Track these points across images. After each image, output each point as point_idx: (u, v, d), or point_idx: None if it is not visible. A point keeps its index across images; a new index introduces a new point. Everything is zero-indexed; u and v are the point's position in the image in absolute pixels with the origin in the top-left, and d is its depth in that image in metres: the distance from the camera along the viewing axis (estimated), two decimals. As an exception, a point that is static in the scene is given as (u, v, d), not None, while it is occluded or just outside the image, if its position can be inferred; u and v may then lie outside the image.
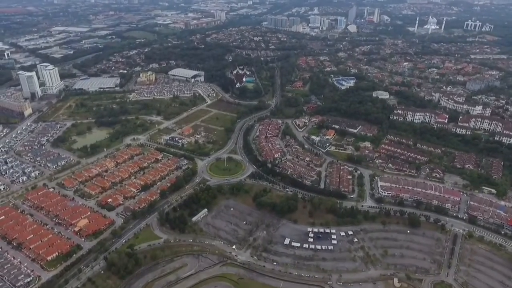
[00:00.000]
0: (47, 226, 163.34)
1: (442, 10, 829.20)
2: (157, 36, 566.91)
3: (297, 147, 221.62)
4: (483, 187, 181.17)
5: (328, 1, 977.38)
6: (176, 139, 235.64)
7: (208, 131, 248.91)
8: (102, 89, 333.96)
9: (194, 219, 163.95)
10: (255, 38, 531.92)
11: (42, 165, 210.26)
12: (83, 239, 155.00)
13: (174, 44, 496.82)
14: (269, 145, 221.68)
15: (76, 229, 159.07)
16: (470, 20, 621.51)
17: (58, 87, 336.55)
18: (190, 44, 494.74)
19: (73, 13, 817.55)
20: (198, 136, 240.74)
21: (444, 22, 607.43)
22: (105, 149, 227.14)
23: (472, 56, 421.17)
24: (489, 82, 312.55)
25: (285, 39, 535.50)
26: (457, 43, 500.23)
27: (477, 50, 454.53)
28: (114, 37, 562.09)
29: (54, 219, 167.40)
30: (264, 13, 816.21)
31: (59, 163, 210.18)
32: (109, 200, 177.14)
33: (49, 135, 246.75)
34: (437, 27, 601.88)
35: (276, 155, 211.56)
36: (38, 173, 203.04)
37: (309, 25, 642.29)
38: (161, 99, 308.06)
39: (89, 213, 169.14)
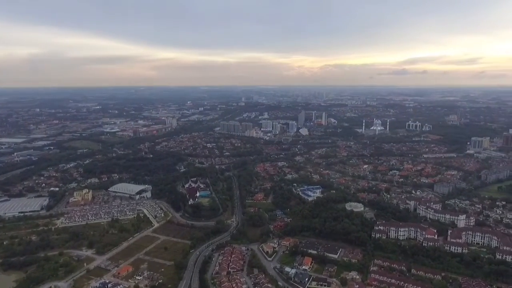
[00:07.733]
0: None
1: (380, 112, 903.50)
2: (102, 145, 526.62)
3: (269, 285, 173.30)
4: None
5: (276, 106, 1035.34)
6: (109, 285, 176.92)
7: (153, 268, 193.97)
8: (23, 214, 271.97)
9: None
10: (208, 145, 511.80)
11: None
12: None
13: (120, 154, 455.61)
14: (233, 286, 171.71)
15: None
16: (410, 121, 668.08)
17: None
18: (137, 153, 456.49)
19: (13, 123, 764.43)
20: (139, 278, 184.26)
21: (388, 123, 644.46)
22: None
23: (425, 156, 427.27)
24: (455, 184, 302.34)
25: (239, 144, 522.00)
26: (405, 143, 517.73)
27: (427, 150, 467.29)
28: (52, 148, 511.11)
29: None
30: (215, 118, 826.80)
31: None
32: None
33: None
34: (383, 128, 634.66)
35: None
36: None
37: (262, 129, 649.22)
38: (96, 224, 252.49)
39: None
